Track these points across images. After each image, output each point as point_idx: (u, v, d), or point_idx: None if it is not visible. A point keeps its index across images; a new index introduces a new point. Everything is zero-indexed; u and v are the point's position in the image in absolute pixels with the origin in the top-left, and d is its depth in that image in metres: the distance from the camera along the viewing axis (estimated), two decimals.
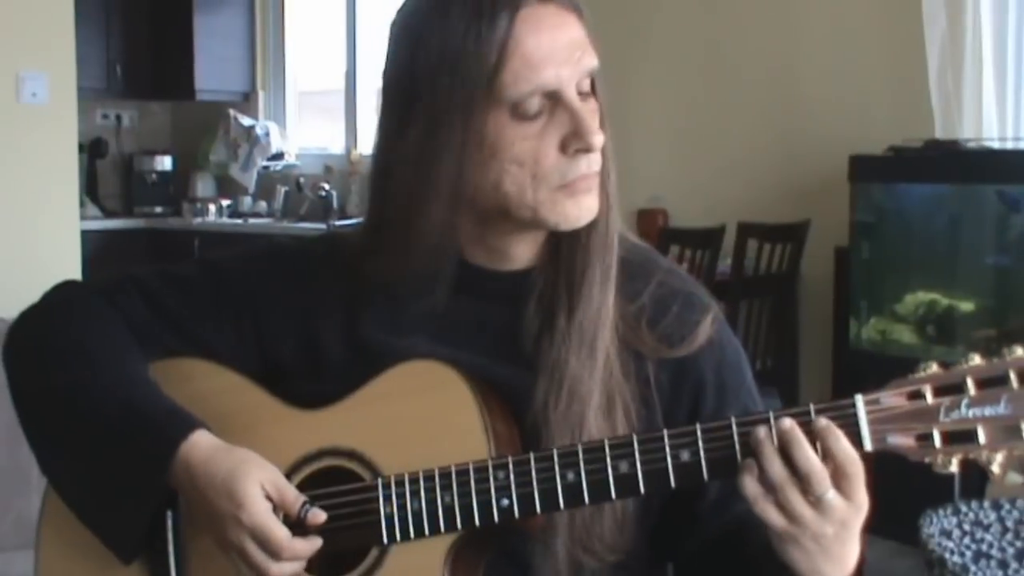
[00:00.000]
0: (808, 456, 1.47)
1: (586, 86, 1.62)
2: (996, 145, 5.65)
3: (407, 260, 1.66)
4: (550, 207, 1.61)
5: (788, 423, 1.48)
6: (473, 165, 1.59)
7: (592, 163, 1.61)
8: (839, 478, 1.47)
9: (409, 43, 1.62)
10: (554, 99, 1.58)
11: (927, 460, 1.46)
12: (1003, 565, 3.61)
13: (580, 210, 1.63)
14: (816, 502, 1.47)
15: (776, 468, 1.48)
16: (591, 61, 1.61)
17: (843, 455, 1.46)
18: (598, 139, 1.59)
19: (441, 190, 1.60)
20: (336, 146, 9.13)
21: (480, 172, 1.60)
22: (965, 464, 1.45)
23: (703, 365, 1.73)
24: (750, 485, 1.49)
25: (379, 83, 1.69)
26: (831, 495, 1.47)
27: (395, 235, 1.66)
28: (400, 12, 1.66)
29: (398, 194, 1.64)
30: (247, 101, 9.39)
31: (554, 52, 1.57)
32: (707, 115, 7.01)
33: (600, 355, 1.67)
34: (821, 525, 1.48)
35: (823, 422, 1.48)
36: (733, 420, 1.51)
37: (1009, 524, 3.68)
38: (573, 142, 1.59)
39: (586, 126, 1.58)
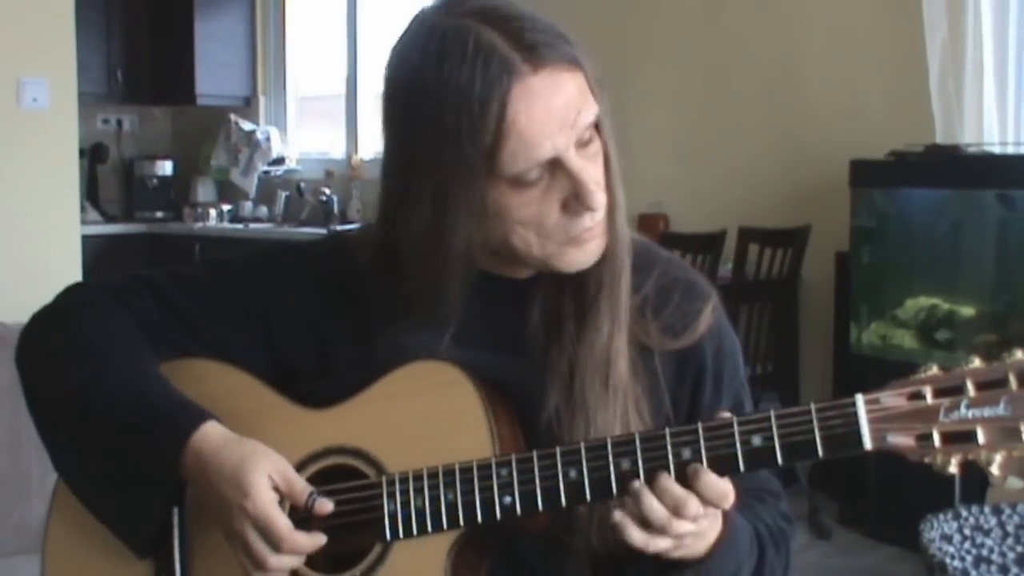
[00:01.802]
0: (674, 490, 1.53)
1: (587, 135, 1.61)
2: (997, 150, 5.66)
3: (422, 306, 1.67)
4: (557, 257, 1.63)
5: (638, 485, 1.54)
6: (482, 231, 1.60)
7: (596, 216, 1.61)
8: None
9: (407, 105, 1.60)
10: (553, 164, 1.57)
11: (926, 460, 1.47)
12: (1003, 570, 3.61)
13: (586, 255, 1.64)
14: (694, 520, 1.53)
15: (656, 509, 1.53)
16: (588, 115, 1.59)
17: (709, 491, 1.54)
18: (599, 199, 1.59)
19: (456, 255, 1.61)
20: (337, 151, 9.13)
21: (487, 232, 1.61)
22: (964, 465, 1.46)
23: (705, 351, 1.76)
24: (637, 536, 1.54)
25: (379, 101, 1.67)
26: (702, 511, 1.53)
27: (409, 287, 1.67)
28: (396, 63, 1.64)
29: (415, 265, 1.65)
30: (248, 106, 9.41)
31: (548, 122, 1.55)
32: (708, 120, 7.02)
33: (609, 363, 1.68)
34: (699, 536, 1.57)
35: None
36: (734, 419, 1.52)
37: (1010, 529, 3.69)
38: (574, 204, 1.59)
39: (586, 189, 1.58)
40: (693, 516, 1.52)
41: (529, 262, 1.65)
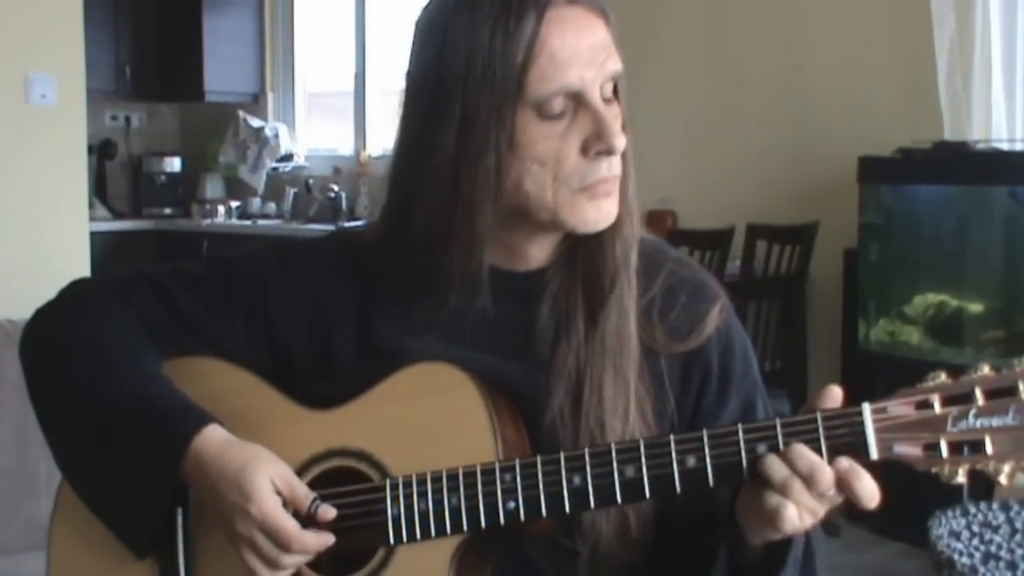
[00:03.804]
0: (810, 458, 1.48)
1: (609, 90, 1.63)
2: (1005, 146, 5.64)
3: (452, 258, 1.65)
4: (569, 209, 1.63)
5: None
6: (508, 162, 1.60)
7: (613, 166, 1.63)
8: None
9: (436, 42, 1.63)
10: (577, 100, 1.59)
11: (934, 470, 1.45)
12: (1012, 566, 3.60)
13: (599, 213, 1.64)
14: (820, 496, 1.49)
15: (780, 470, 1.48)
16: (615, 65, 1.62)
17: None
18: (620, 141, 1.61)
19: (487, 191, 1.61)
20: (345, 147, 9.13)
21: (504, 170, 1.61)
22: (972, 474, 1.45)
23: (711, 353, 1.75)
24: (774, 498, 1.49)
25: (401, 83, 1.70)
26: (833, 492, 1.48)
27: (438, 239, 1.65)
28: (425, 10, 1.67)
29: (442, 196, 1.63)
30: (256, 102, 9.41)
31: (579, 53, 1.58)
32: (716, 117, 7.01)
33: (615, 360, 1.68)
34: (820, 509, 1.51)
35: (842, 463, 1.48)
36: (740, 427, 1.51)
37: (1018, 525, 3.68)
38: (595, 144, 1.60)
39: (608, 128, 1.59)
40: (822, 489, 1.47)
41: (540, 215, 1.64)
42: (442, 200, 1.63)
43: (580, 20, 1.59)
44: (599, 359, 1.67)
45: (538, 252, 1.73)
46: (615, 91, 1.65)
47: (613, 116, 1.62)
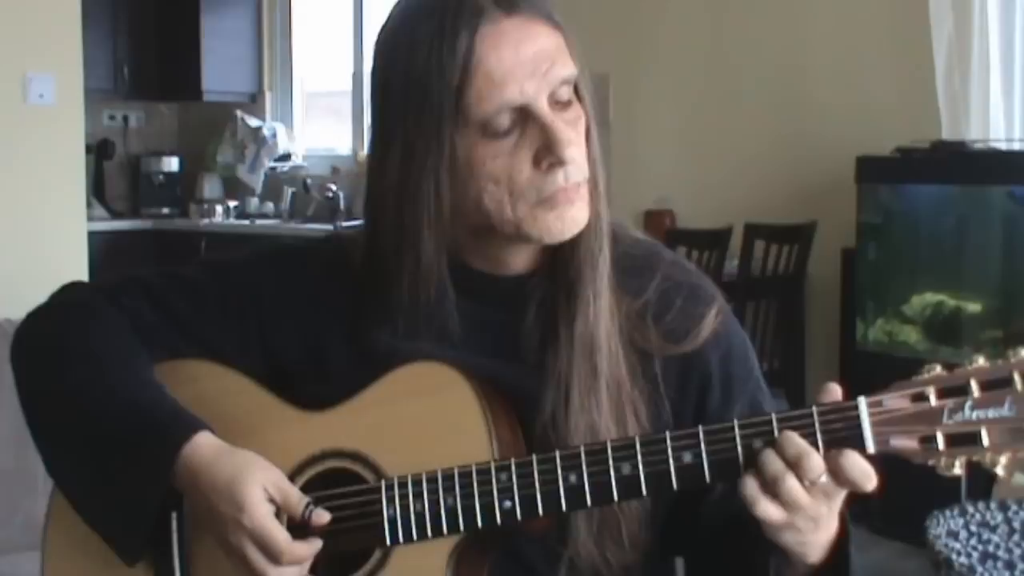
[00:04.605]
0: (800, 444, 1.47)
1: (565, 94, 1.60)
2: (1003, 146, 5.65)
3: (404, 285, 1.66)
4: (531, 222, 1.61)
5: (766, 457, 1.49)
6: (451, 186, 1.59)
7: (570, 175, 1.59)
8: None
9: (383, 64, 1.64)
10: (524, 114, 1.57)
11: (930, 463, 1.45)
12: (1010, 566, 3.60)
13: (564, 223, 1.61)
14: (810, 487, 1.47)
15: (774, 462, 1.47)
16: (563, 71, 1.59)
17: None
18: (570, 152, 1.58)
19: (426, 218, 1.60)
20: (343, 147, 9.14)
21: (459, 192, 1.60)
22: (969, 466, 1.44)
23: (709, 358, 1.72)
24: (750, 486, 1.48)
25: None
26: (824, 478, 1.47)
27: (390, 264, 1.66)
28: (379, 31, 1.67)
29: (387, 223, 1.64)
30: (254, 102, 9.41)
31: (517, 67, 1.55)
32: (714, 116, 7.01)
33: (603, 365, 1.66)
34: (817, 507, 1.49)
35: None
36: (736, 422, 1.50)
37: (1016, 525, 3.68)
38: (545, 156, 1.58)
39: (557, 140, 1.56)
40: (812, 476, 1.46)
41: (504, 229, 1.62)
42: (388, 225, 1.64)
43: (518, 31, 1.57)
44: (584, 365, 1.66)
45: (517, 260, 1.71)
46: (578, 93, 1.63)
47: (569, 122, 1.60)
